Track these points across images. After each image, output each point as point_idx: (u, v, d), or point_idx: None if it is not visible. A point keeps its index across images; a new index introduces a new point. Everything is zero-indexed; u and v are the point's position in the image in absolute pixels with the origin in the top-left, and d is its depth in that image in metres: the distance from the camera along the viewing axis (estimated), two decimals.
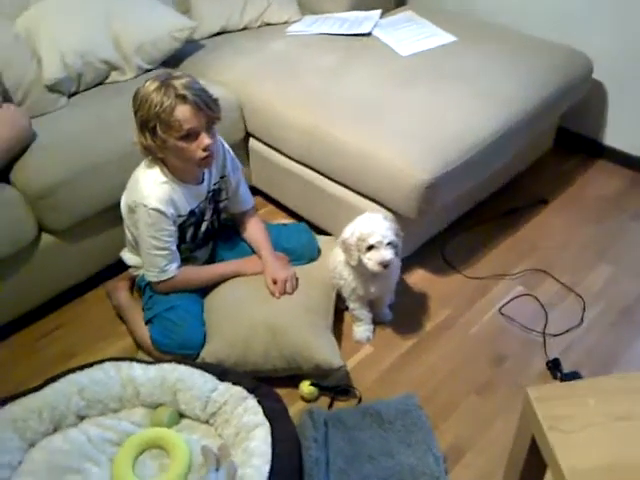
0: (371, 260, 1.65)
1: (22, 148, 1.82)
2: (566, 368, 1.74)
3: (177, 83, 1.53)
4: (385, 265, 1.64)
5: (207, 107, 1.56)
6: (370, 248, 1.64)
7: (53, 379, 1.61)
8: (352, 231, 1.67)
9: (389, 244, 1.64)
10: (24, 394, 1.58)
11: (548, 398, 1.13)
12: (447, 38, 2.35)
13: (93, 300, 2.08)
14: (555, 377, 1.73)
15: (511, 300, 1.98)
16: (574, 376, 1.71)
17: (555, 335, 1.86)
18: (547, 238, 2.22)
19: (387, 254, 1.63)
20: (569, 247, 2.17)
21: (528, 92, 2.04)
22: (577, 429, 1.08)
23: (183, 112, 1.53)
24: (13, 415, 1.53)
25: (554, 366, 1.74)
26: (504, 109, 1.97)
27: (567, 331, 1.87)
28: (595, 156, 2.60)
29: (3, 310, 1.89)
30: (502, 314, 1.93)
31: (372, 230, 1.63)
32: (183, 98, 1.52)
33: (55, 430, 1.57)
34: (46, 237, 1.89)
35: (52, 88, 2.04)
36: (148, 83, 1.55)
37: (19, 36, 2.02)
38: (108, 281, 2.05)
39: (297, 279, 1.81)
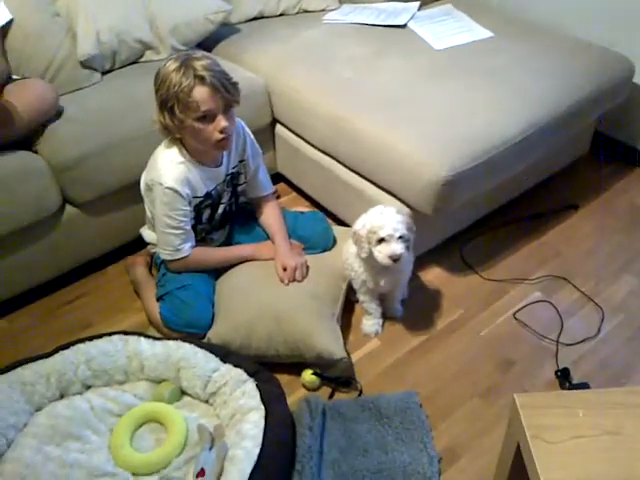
0: (381, 253, 1.63)
1: (45, 120, 1.86)
2: (576, 379, 1.70)
3: (197, 64, 1.54)
4: (395, 259, 1.62)
5: (225, 90, 1.57)
6: (381, 241, 1.63)
7: (64, 347, 1.67)
8: (363, 223, 1.66)
9: (400, 238, 1.62)
10: (34, 359, 1.64)
11: (536, 406, 1.11)
12: (483, 33, 2.30)
13: (114, 274, 2.14)
14: (563, 387, 1.69)
15: (527, 305, 1.93)
16: (582, 387, 1.66)
17: (569, 344, 1.81)
18: (572, 245, 2.16)
19: (398, 248, 1.62)
20: (594, 256, 2.11)
21: (561, 94, 1.99)
22: (562, 440, 1.06)
23: (201, 93, 1.54)
24: (22, 378, 1.59)
25: (563, 376, 1.70)
26: (534, 110, 1.91)
27: (582, 341, 1.82)
28: (632, 164, 2.51)
29: (26, 276, 1.95)
30: (516, 319, 1.90)
31: (383, 223, 1.62)
32: (202, 79, 1.54)
33: (61, 396, 1.63)
34: (70, 209, 1.95)
35: (85, 64, 2.09)
36: (169, 63, 1.57)
37: (57, 13, 2.07)
38: (128, 256, 2.10)
39: (308, 267, 1.82)
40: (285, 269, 1.79)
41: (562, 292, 1.98)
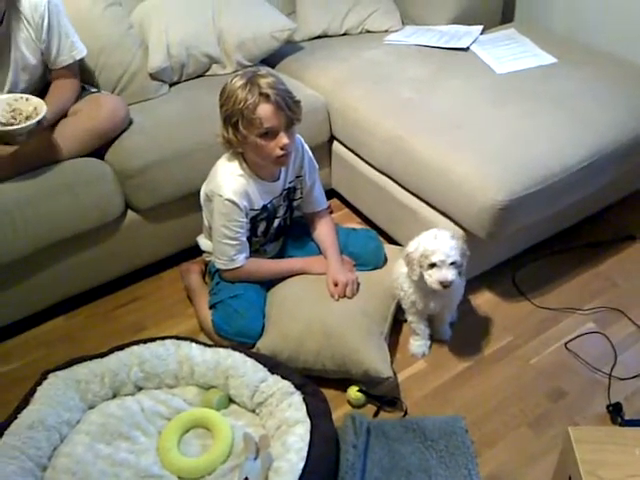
0: (432, 277, 1.63)
1: (117, 135, 1.94)
2: (628, 415, 1.65)
3: (262, 82, 1.58)
4: (445, 285, 1.62)
5: (288, 108, 1.61)
6: (432, 265, 1.62)
7: (119, 348, 1.72)
8: (416, 246, 1.66)
9: (452, 264, 1.62)
10: (91, 358, 1.69)
11: (591, 441, 1.09)
12: (547, 59, 2.28)
13: (169, 279, 2.19)
14: (614, 422, 1.64)
15: (579, 336, 1.90)
16: (636, 424, 1.61)
17: (622, 379, 1.77)
18: (629, 277, 2.11)
19: (449, 274, 1.61)
20: None
21: (625, 123, 1.95)
22: (617, 478, 1.04)
23: (265, 110, 1.58)
24: (78, 376, 1.65)
25: (615, 410, 1.66)
26: (596, 138, 1.89)
27: (636, 376, 1.77)
28: None
29: (86, 277, 2.03)
30: (568, 349, 1.86)
31: (436, 248, 1.61)
32: (266, 97, 1.58)
33: (114, 396, 1.68)
34: (131, 214, 2.02)
35: (155, 76, 2.17)
36: (235, 80, 1.61)
37: (131, 26, 2.16)
38: (183, 263, 2.15)
39: (358, 284, 1.83)
40: (336, 284, 1.81)
41: (616, 325, 1.93)
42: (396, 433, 1.63)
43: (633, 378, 1.77)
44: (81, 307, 2.09)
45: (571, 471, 1.08)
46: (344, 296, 1.79)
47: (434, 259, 1.61)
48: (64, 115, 1.91)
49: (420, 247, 1.65)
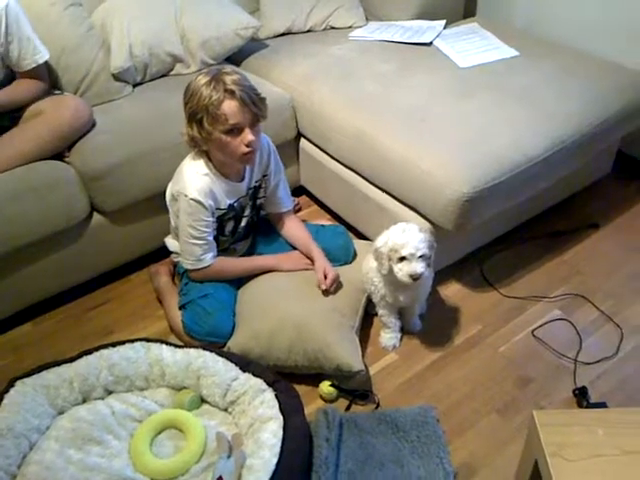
0: (402, 271, 1.65)
1: (80, 136, 1.92)
2: (594, 398, 1.69)
3: (227, 79, 1.58)
4: (415, 278, 1.64)
5: (254, 104, 1.61)
6: (402, 259, 1.64)
7: (87, 352, 1.70)
8: (385, 240, 1.68)
9: (421, 257, 1.64)
10: (59, 363, 1.67)
11: (555, 423, 1.12)
12: (509, 52, 2.32)
13: (137, 281, 2.18)
14: (581, 406, 1.68)
15: (546, 323, 1.93)
16: (601, 407, 1.65)
17: (587, 363, 1.80)
18: (592, 264, 2.15)
19: (418, 267, 1.63)
20: (614, 275, 2.10)
21: (585, 114, 1.99)
22: (581, 458, 1.07)
23: (230, 106, 1.58)
24: (46, 382, 1.62)
25: (581, 394, 1.69)
26: (557, 129, 1.92)
27: (600, 360, 1.81)
28: None
29: (53, 282, 2.00)
30: (534, 336, 1.90)
31: (405, 241, 1.63)
32: (232, 93, 1.57)
33: (83, 401, 1.66)
34: (97, 217, 2.00)
35: (118, 77, 2.15)
36: (200, 77, 1.61)
37: (93, 26, 2.13)
38: (152, 264, 2.14)
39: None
40: (326, 276, 1.82)
41: (581, 311, 1.98)
42: (369, 425, 1.65)
43: (597, 362, 1.81)
44: (49, 312, 2.07)
45: (537, 454, 1.11)
46: (328, 290, 1.81)
47: (404, 252, 1.62)
48: (19, 115, 1.89)
49: (389, 241, 1.66)
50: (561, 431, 1.10)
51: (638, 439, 1.08)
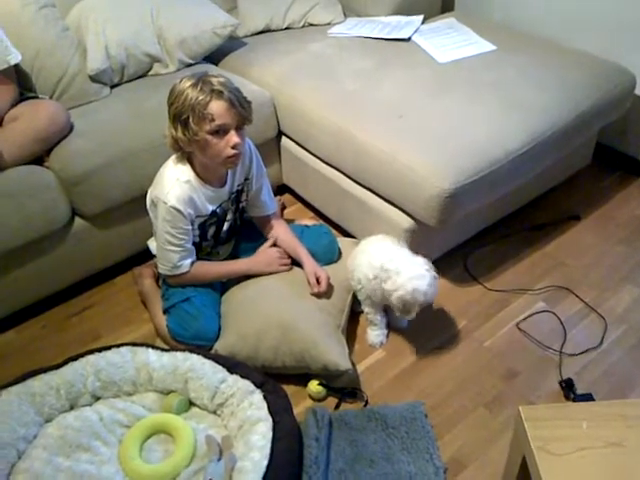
0: (400, 312, 1.73)
1: (57, 141, 1.89)
2: (580, 389, 1.71)
3: (214, 80, 1.57)
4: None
5: (240, 106, 1.60)
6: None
7: (73, 358, 1.69)
8: (396, 287, 1.67)
9: None
10: (45, 371, 1.65)
11: (540, 418, 1.13)
12: (487, 47, 2.33)
13: (122, 285, 2.16)
14: (567, 397, 1.70)
15: (530, 315, 1.95)
16: (587, 398, 1.67)
17: (572, 355, 1.83)
18: (575, 255, 2.18)
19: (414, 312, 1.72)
20: (596, 266, 2.13)
21: (562, 106, 2.01)
22: (567, 452, 1.08)
23: (217, 106, 1.56)
24: (32, 390, 1.61)
25: (567, 386, 1.72)
26: (536, 122, 1.94)
27: (585, 351, 1.83)
28: (634, 174, 2.53)
29: (35, 288, 1.98)
30: (519, 329, 1.91)
31: (417, 297, 1.67)
32: (219, 93, 1.56)
33: (71, 408, 1.64)
34: (79, 221, 1.97)
35: (95, 78, 2.12)
36: (185, 80, 1.59)
37: (67, 28, 2.10)
38: (136, 267, 2.12)
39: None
40: (318, 279, 1.82)
41: (565, 302, 2.00)
42: (358, 423, 1.65)
43: (582, 354, 1.83)
44: (33, 318, 2.04)
45: (524, 449, 1.12)
46: (320, 292, 1.81)
47: (412, 301, 1.68)
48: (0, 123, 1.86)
49: (400, 289, 1.66)
50: (547, 425, 1.11)
51: (621, 431, 1.10)
